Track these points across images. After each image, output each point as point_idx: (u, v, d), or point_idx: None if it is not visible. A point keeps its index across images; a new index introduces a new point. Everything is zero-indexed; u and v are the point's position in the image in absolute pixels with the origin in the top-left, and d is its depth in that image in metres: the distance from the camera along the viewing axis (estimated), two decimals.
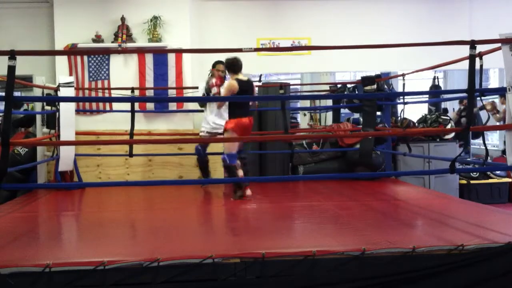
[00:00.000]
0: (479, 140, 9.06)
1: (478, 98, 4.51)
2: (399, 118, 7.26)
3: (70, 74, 6.95)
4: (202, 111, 6.20)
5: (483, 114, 8.41)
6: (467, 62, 3.69)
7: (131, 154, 5.62)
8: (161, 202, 5.34)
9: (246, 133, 5.12)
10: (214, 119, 5.79)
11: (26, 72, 6.48)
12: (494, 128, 8.95)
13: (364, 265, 2.96)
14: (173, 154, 6.72)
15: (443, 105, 9.68)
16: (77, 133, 6.18)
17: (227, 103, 5.36)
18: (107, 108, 7.07)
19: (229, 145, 5.14)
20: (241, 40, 7.26)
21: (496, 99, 8.56)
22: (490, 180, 7.67)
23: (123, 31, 7.04)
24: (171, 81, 7.13)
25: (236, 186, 5.25)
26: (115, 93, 6.79)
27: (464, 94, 4.09)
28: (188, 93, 7.06)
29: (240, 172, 5.15)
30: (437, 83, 9.39)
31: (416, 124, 7.68)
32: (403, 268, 2.97)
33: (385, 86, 7.52)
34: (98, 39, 7.03)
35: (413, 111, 9.03)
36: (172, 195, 5.58)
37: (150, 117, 7.16)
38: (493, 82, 10.60)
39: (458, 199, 6.47)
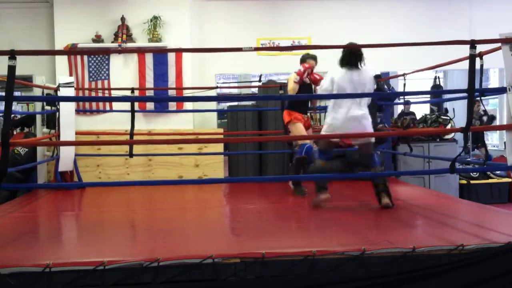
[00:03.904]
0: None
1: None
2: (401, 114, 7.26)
3: (70, 74, 6.96)
4: (201, 111, 6.12)
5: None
6: (467, 62, 3.69)
7: (131, 154, 5.61)
8: (161, 202, 5.33)
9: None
10: None
11: (26, 72, 6.50)
12: (493, 128, 8.97)
13: (364, 265, 2.96)
14: (173, 154, 6.72)
15: (444, 105, 9.70)
16: (77, 133, 6.18)
17: None
18: (107, 108, 7.07)
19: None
20: (241, 40, 7.26)
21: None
22: (490, 180, 7.68)
23: (123, 31, 7.04)
24: (171, 81, 7.13)
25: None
26: (115, 93, 6.77)
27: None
28: (188, 94, 7.05)
29: None
30: (438, 83, 9.39)
31: (416, 124, 7.68)
32: (403, 268, 2.96)
33: (385, 86, 7.52)
34: (98, 39, 7.03)
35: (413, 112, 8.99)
36: (172, 195, 5.57)
37: (150, 117, 7.17)
38: (493, 82, 10.60)
39: (458, 199, 6.47)
